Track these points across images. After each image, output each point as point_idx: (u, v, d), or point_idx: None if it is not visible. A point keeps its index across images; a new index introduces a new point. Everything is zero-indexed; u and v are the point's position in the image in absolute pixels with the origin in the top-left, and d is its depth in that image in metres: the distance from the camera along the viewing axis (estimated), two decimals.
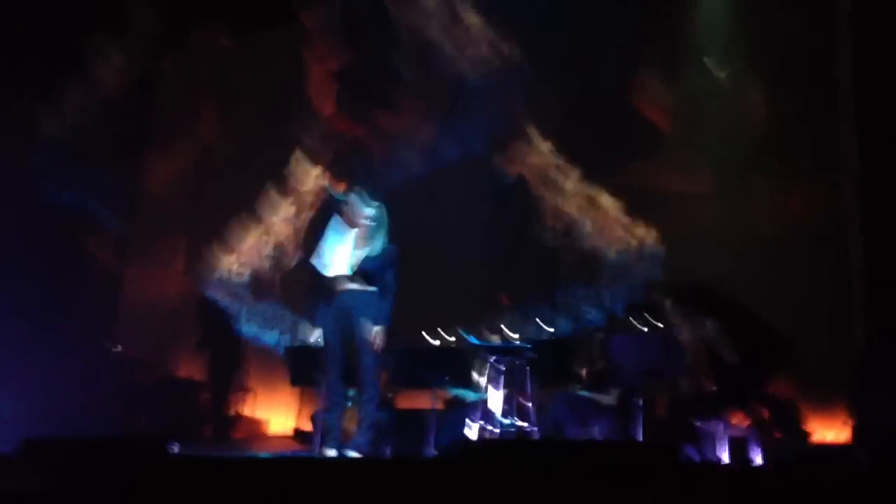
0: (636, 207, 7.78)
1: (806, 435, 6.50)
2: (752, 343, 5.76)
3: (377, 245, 5.07)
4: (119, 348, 7.84)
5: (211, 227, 8.62)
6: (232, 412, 7.97)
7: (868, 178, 6.66)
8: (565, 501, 3.80)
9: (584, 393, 5.81)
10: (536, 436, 5.36)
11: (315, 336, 5.26)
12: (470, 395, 5.64)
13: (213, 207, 8.71)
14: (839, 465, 4.97)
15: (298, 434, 7.20)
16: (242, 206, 8.54)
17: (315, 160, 8.72)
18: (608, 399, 5.72)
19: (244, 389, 8.03)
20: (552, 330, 6.42)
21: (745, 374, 5.43)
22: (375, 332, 4.91)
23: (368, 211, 5.12)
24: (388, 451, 5.71)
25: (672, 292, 5.64)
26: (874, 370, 5.14)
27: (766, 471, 4.86)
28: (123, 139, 8.45)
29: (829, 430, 6.88)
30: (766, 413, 6.59)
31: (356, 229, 5.12)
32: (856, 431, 5.81)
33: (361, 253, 5.08)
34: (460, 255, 7.66)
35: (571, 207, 7.91)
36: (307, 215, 8.61)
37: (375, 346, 4.89)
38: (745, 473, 4.39)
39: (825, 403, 6.89)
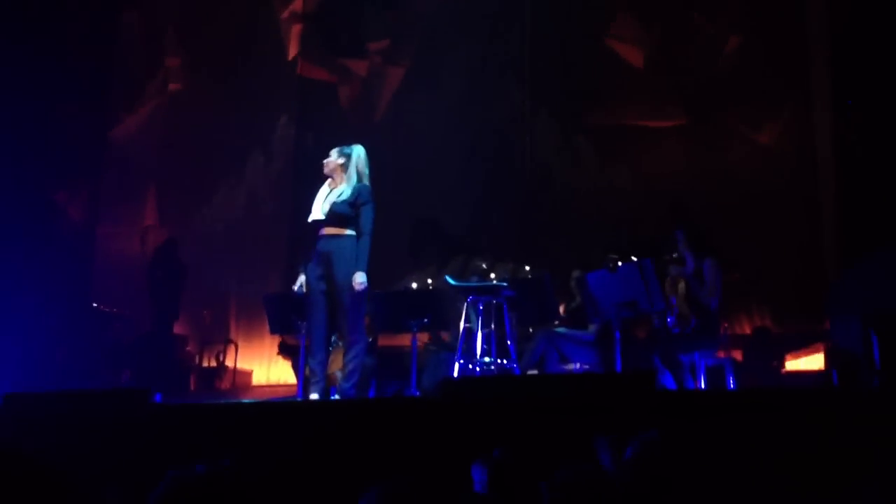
0: (610, 145, 7.80)
1: (780, 364, 6.66)
2: (730, 277, 5.86)
3: (347, 187, 5.07)
4: (95, 304, 7.80)
5: (182, 178, 8.54)
6: (215, 364, 7.99)
7: (840, 112, 6.71)
8: (547, 433, 3.88)
9: (563, 329, 5.88)
10: (517, 372, 5.44)
11: (298, 283, 5.28)
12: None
13: (183, 158, 8.60)
14: (810, 388, 5.09)
15: (283, 383, 7.25)
16: (213, 157, 8.45)
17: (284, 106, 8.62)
18: (586, 334, 5.80)
19: (226, 341, 8.04)
20: (529, 268, 6.47)
21: (720, 309, 5.54)
22: (353, 275, 4.92)
23: (333, 155, 5.16)
24: (371, 395, 5.76)
25: (682, 224, 5.72)
26: (843, 296, 5.23)
27: (737, 392, 4.97)
28: (90, 91, 8.28)
29: (804, 360, 7.05)
30: (741, 344, 6.74)
31: (331, 177, 5.18)
32: (828, 355, 5.95)
33: (334, 197, 5.10)
34: (438, 198, 7.65)
35: (545, 149, 7.91)
36: (278, 164, 8.55)
37: (355, 289, 4.90)
38: (717, 397, 4.50)
39: (800, 334, 7.05)
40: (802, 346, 6.93)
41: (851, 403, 3.83)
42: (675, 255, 5.58)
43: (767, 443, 3.61)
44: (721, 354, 6.05)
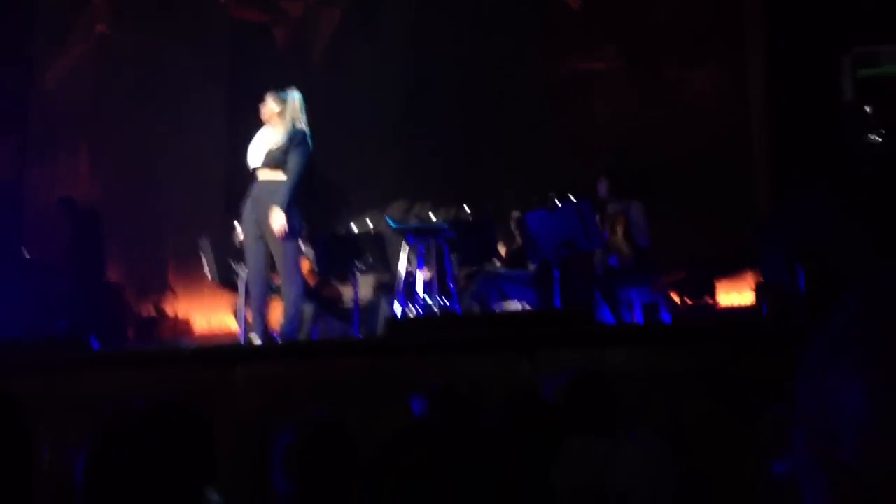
0: (551, 88, 7.81)
1: (714, 300, 6.86)
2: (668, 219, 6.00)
3: (283, 133, 5.02)
4: (28, 255, 7.60)
5: (115, 123, 8.29)
6: (154, 313, 7.89)
7: (773, 55, 6.82)
8: (490, 370, 3.96)
9: (503, 270, 5.96)
10: (458, 312, 5.51)
11: (237, 231, 5.25)
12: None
13: (114, 103, 8.34)
14: (740, 321, 5.27)
15: (224, 330, 7.20)
16: (146, 100, 8.21)
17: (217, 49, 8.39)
18: (526, 273, 5.89)
19: (164, 289, 7.94)
20: (470, 211, 6.50)
21: (655, 249, 5.68)
22: (280, 218, 4.89)
23: (269, 101, 5.10)
24: (314, 338, 5.78)
25: (606, 171, 5.81)
26: (772, 232, 5.40)
27: (671, 326, 5.14)
28: (10, 35, 7.94)
29: (736, 296, 7.28)
30: (676, 281, 6.92)
31: (266, 122, 5.14)
32: (757, 290, 6.15)
33: (269, 143, 5.05)
34: (379, 141, 7.60)
35: (486, 91, 7.88)
36: (212, 108, 8.35)
37: (280, 232, 4.88)
38: (654, 330, 4.64)
39: (734, 273, 7.26)
40: (733, 278, 7.15)
41: (777, 335, 3.99)
42: (600, 198, 5.70)
43: (696, 372, 3.75)
44: (656, 291, 6.22)
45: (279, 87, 5.20)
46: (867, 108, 4.67)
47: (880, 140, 4.51)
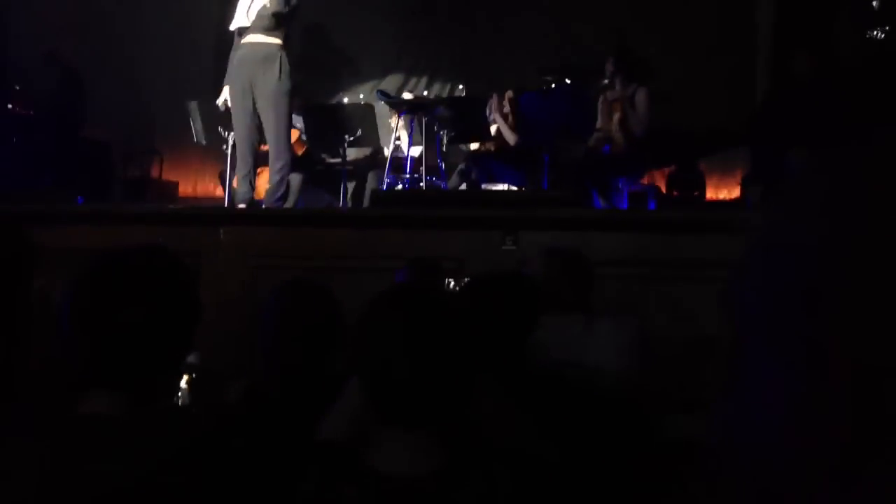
0: None
1: (702, 193, 6.87)
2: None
3: None
4: (10, 105, 7.45)
5: None
6: (139, 174, 7.83)
7: None
8: (473, 247, 4.00)
9: (493, 150, 5.92)
10: (444, 188, 5.51)
11: (222, 97, 5.14)
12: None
13: None
14: (725, 212, 5.30)
15: (210, 195, 7.18)
16: None
17: None
18: (516, 155, 5.86)
19: (151, 151, 7.85)
20: (464, 88, 6.39)
21: (650, 139, 5.62)
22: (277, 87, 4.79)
23: None
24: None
25: (615, 52, 5.65)
26: (765, 123, 5.35)
27: (654, 214, 5.17)
28: None
29: (725, 191, 7.30)
30: (666, 172, 6.91)
31: None
32: (742, 182, 6.15)
33: (259, 2, 4.86)
34: (375, 12, 7.36)
35: None
36: None
37: (279, 102, 4.79)
38: (636, 216, 4.67)
39: (725, 170, 7.25)
40: (725, 175, 7.15)
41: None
42: (605, 82, 5.59)
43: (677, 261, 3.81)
44: (645, 181, 6.22)
45: None
46: (874, 3, 4.56)
47: (882, 36, 4.41)
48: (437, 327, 1.28)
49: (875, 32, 4.54)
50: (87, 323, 1.25)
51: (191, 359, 2.41)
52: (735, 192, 7.08)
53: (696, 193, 7.15)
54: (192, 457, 1.19)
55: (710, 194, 7.20)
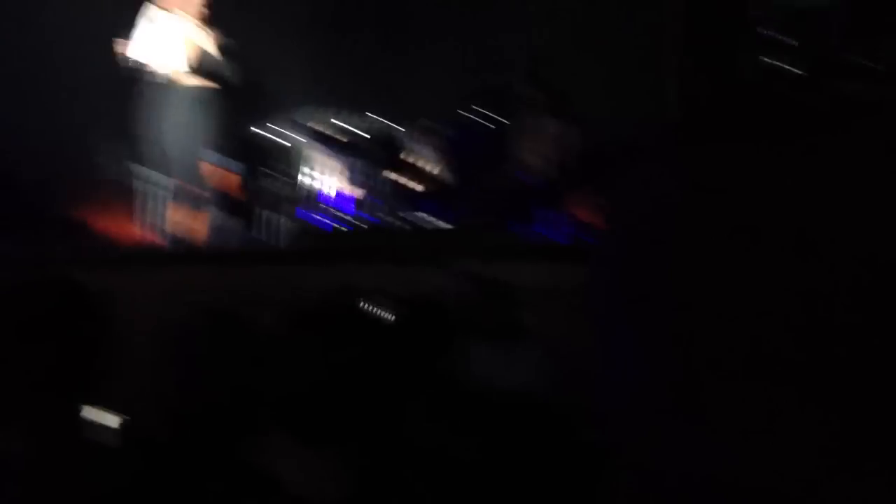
0: None
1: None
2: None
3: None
4: None
5: None
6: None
7: None
8: (397, 280, 3.96)
9: (411, 182, 5.89)
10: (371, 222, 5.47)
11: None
12: None
13: None
14: None
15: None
16: None
17: None
18: (436, 188, 5.85)
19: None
20: (374, 117, 6.30)
21: (569, 165, 5.69)
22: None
23: None
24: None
25: (543, 87, 5.70)
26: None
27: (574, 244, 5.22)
28: None
29: None
30: (585, 199, 6.99)
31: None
32: None
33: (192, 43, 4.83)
34: (283, 42, 7.21)
35: None
36: None
37: None
38: (555, 246, 4.71)
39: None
40: None
41: None
42: (522, 110, 5.63)
43: None
44: (564, 208, 6.25)
45: None
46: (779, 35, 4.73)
47: (785, 64, 4.59)
48: (352, 347, 1.25)
49: (778, 58, 4.71)
50: None
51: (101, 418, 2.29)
52: None
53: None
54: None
55: None
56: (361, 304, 2.96)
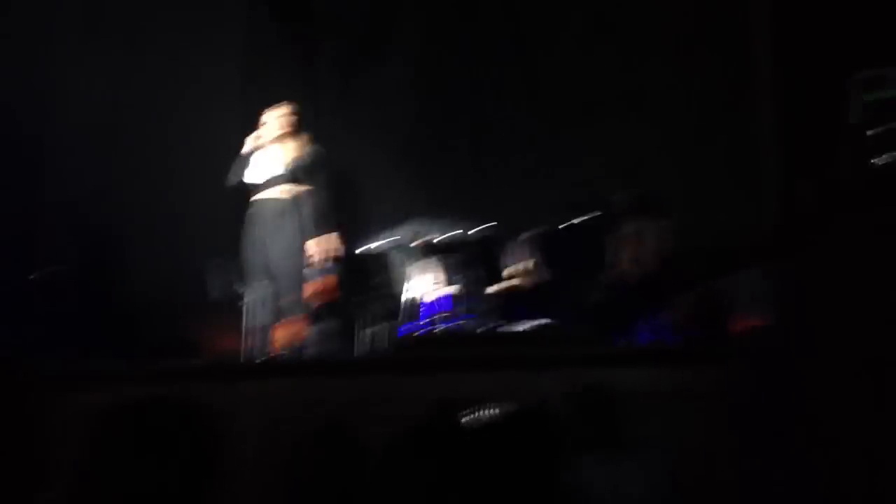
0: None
1: (723, 319, 6.78)
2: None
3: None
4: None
5: None
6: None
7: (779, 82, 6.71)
8: (496, 388, 3.94)
9: (512, 290, 5.92)
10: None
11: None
12: None
13: None
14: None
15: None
16: None
17: None
18: (536, 294, 5.84)
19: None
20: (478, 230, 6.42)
21: (678, 269, 5.62)
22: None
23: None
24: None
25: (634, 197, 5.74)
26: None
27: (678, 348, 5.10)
28: None
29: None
30: (697, 306, 6.83)
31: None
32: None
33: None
34: (382, 161, 7.49)
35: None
36: None
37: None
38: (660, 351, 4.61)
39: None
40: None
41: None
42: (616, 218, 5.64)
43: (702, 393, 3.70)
44: (666, 314, 6.14)
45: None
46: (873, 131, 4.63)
47: (884, 163, 4.47)
48: (461, 469, 1.25)
49: (877, 159, 4.60)
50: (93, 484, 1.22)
51: None
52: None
53: (716, 321, 7.04)
54: None
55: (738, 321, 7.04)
56: (463, 418, 2.96)
